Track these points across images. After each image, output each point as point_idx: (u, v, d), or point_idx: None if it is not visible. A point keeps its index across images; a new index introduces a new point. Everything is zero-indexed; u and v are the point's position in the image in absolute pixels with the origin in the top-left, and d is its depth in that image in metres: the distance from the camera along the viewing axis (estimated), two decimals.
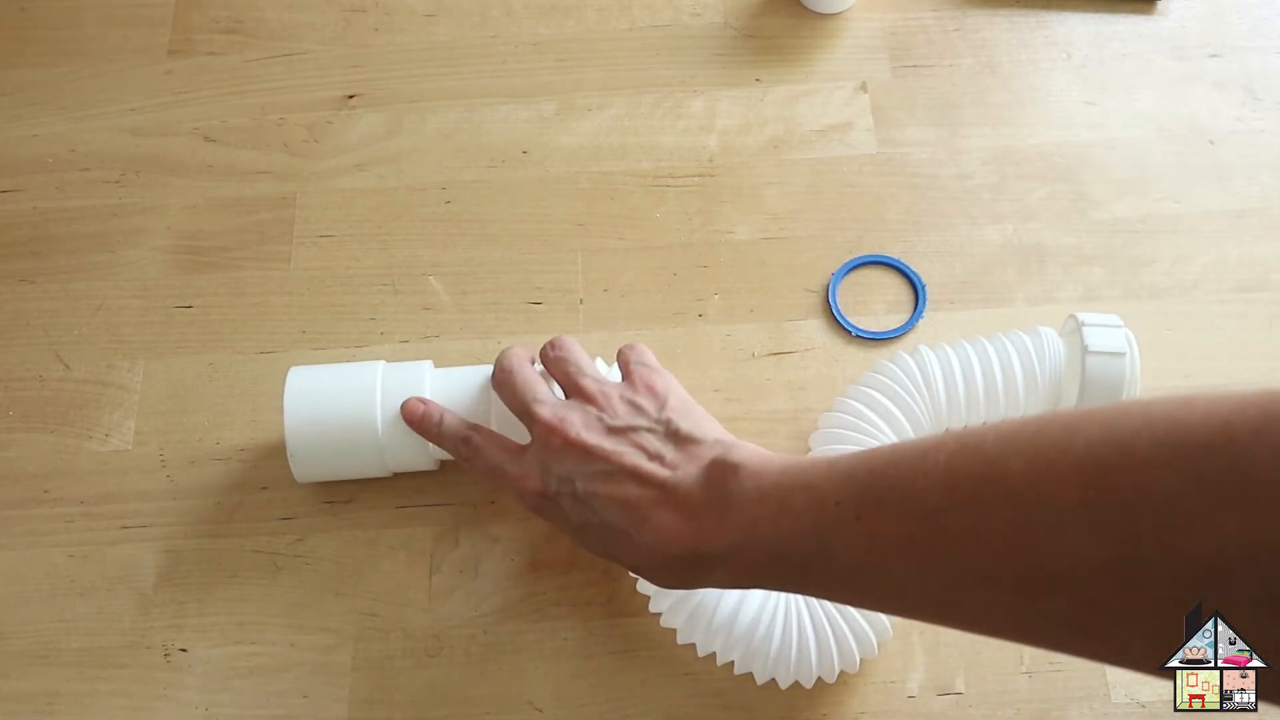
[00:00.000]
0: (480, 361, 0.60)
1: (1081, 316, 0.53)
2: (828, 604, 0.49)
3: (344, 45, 0.70)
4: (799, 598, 0.49)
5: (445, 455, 0.55)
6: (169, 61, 0.70)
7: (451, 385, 0.54)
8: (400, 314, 0.62)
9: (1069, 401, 0.53)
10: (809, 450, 0.54)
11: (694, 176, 0.65)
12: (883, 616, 0.50)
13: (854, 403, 0.53)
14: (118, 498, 0.58)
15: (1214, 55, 0.68)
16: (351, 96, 0.69)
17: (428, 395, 0.54)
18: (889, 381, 0.53)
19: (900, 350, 0.54)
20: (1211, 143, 0.65)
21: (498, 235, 0.64)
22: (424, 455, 0.54)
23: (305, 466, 0.54)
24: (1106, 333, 0.52)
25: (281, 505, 0.57)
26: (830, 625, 0.49)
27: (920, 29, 0.69)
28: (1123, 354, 0.51)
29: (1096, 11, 0.70)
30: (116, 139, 0.68)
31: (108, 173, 0.67)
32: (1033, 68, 0.68)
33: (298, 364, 0.60)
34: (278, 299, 0.63)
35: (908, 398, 0.52)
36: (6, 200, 0.66)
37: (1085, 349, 0.51)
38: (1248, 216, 0.63)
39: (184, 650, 0.54)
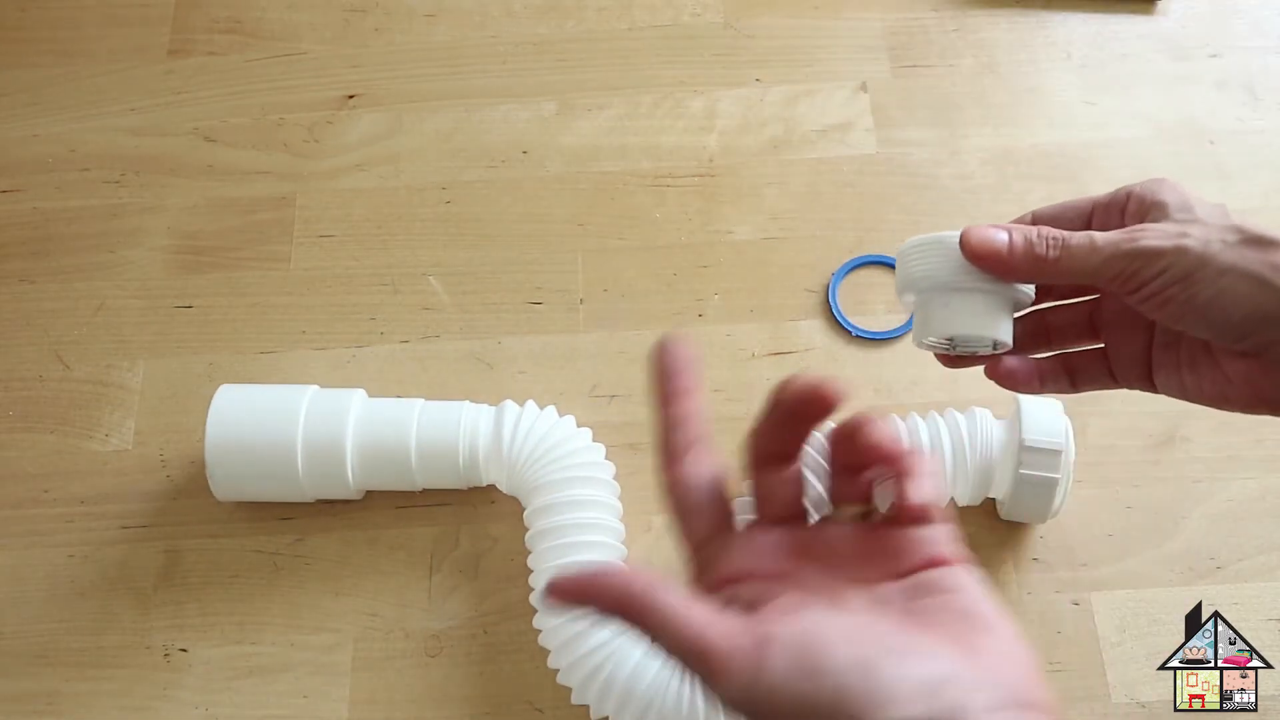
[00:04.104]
0: (479, 361, 0.60)
1: (1023, 402, 0.52)
2: None
3: (344, 45, 0.70)
4: None
5: (369, 486, 0.55)
6: (169, 61, 0.70)
7: (380, 417, 0.54)
8: (400, 314, 0.62)
9: (1002, 485, 0.52)
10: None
11: (694, 176, 0.65)
12: None
13: None
14: (118, 498, 0.58)
15: (1214, 55, 0.68)
16: (351, 96, 0.69)
17: (352, 425, 0.53)
18: (812, 453, 0.52)
19: (829, 422, 0.53)
20: (1211, 143, 0.65)
21: (498, 235, 0.64)
22: (345, 485, 0.54)
23: (225, 485, 0.54)
24: (1046, 424, 0.51)
25: (281, 505, 0.57)
26: None
27: (920, 29, 0.69)
28: (1059, 450, 0.50)
29: (1096, 11, 0.70)
30: (116, 139, 0.68)
31: (108, 173, 0.67)
32: (1033, 68, 0.68)
33: (298, 364, 0.61)
34: (278, 299, 0.63)
35: (828, 470, 0.51)
36: (6, 200, 0.66)
37: (1021, 443, 0.50)
38: (1248, 216, 0.63)
39: (184, 650, 0.54)
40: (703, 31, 0.70)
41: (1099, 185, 0.64)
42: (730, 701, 0.28)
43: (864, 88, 0.68)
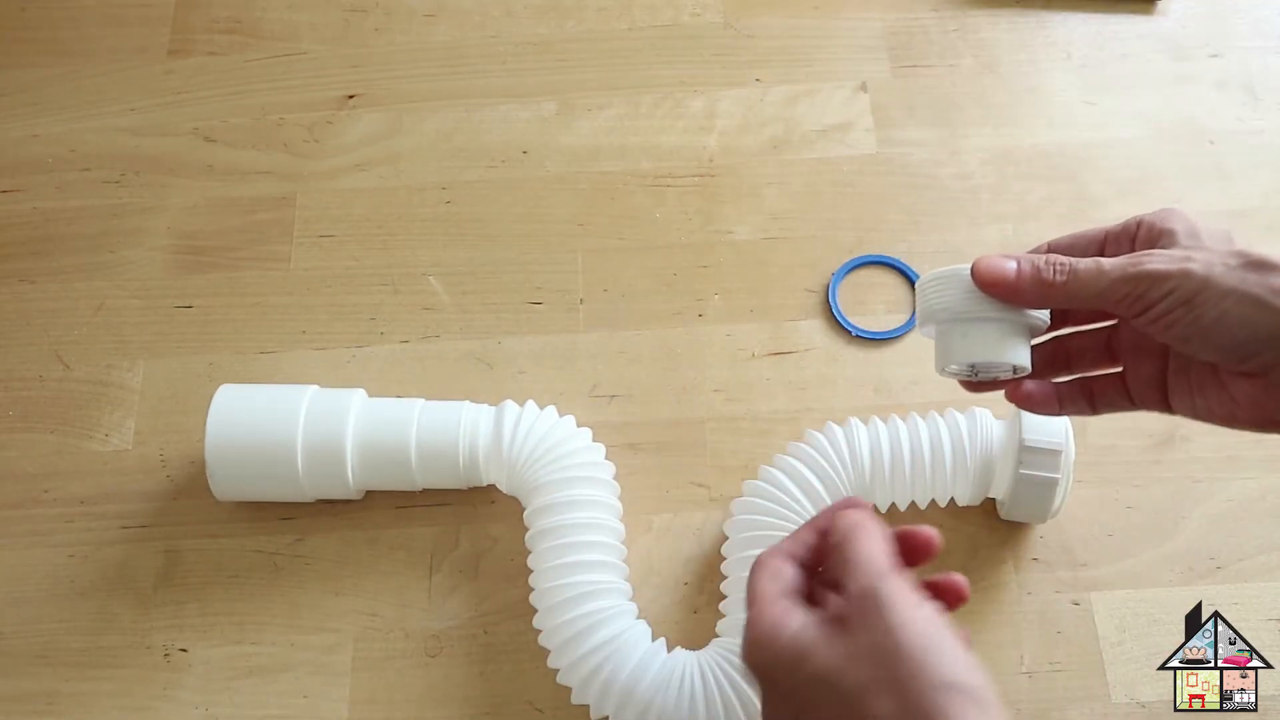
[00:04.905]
0: (480, 361, 0.60)
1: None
2: (733, 673, 0.48)
3: (344, 45, 0.70)
4: (700, 666, 0.49)
5: (369, 485, 0.55)
6: (169, 61, 0.70)
7: (380, 417, 0.54)
8: (400, 314, 0.62)
9: (1001, 485, 0.52)
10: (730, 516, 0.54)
11: (694, 176, 0.65)
12: None
13: (776, 472, 0.52)
14: (118, 498, 0.58)
15: (1214, 55, 0.68)
16: (351, 96, 0.69)
17: (352, 425, 0.53)
18: (813, 453, 0.52)
19: (830, 422, 0.54)
20: (1211, 143, 0.65)
21: (498, 235, 0.64)
22: (345, 485, 0.54)
23: (225, 485, 0.54)
24: (1046, 424, 0.51)
25: (281, 505, 0.57)
26: (736, 692, 0.48)
27: (920, 29, 0.69)
28: (1059, 450, 0.50)
29: (1096, 11, 0.70)
30: (116, 139, 0.68)
31: (108, 173, 0.67)
32: (1033, 68, 0.68)
33: (298, 364, 0.61)
34: (278, 299, 0.63)
35: (830, 470, 0.52)
36: (6, 200, 0.66)
37: (1022, 443, 0.50)
38: (1248, 216, 0.63)
39: (184, 650, 0.54)
40: (703, 31, 0.70)
41: (1099, 185, 0.64)
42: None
43: (864, 88, 0.68)
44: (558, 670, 0.50)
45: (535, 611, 0.51)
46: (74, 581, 0.56)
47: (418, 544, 0.56)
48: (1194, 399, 0.39)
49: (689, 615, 0.54)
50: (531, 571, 0.52)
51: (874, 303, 0.61)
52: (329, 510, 0.57)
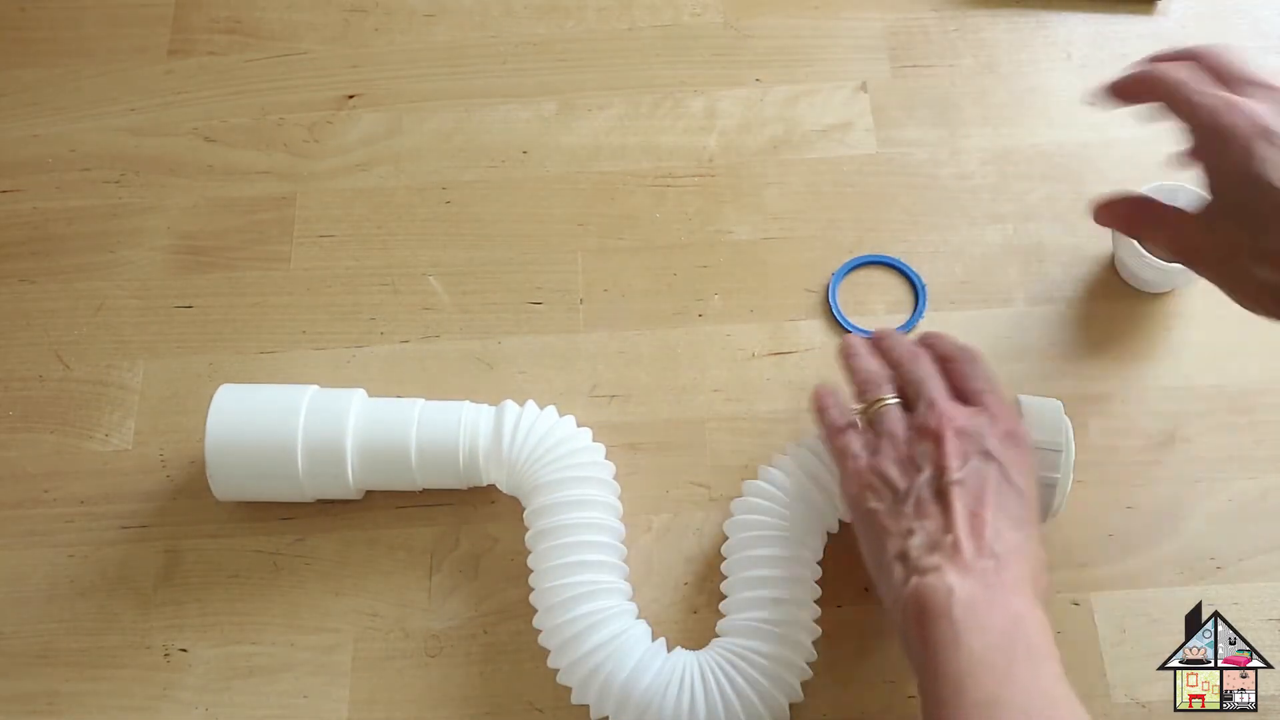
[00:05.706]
0: (479, 361, 0.60)
1: (1024, 401, 0.52)
2: (733, 672, 0.48)
3: (344, 45, 0.70)
4: (700, 668, 0.49)
5: (369, 485, 0.55)
6: (169, 61, 0.70)
7: (380, 417, 0.54)
8: (400, 314, 0.62)
9: None
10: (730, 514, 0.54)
11: (694, 176, 0.65)
12: (791, 679, 0.49)
13: (776, 472, 0.52)
14: (118, 498, 0.58)
15: None
16: (351, 96, 0.69)
17: (352, 425, 0.53)
18: (813, 453, 0.52)
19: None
20: None
21: (498, 235, 0.64)
22: (345, 485, 0.54)
23: (225, 485, 0.54)
24: (1046, 424, 0.51)
25: (281, 505, 0.57)
26: (736, 692, 0.48)
27: (920, 29, 0.69)
28: (1059, 450, 0.50)
29: (1096, 11, 0.70)
30: (116, 139, 0.68)
31: (108, 173, 0.67)
32: (1033, 68, 0.68)
33: (298, 364, 0.61)
34: (278, 299, 0.63)
35: (829, 471, 0.51)
36: (6, 200, 0.66)
37: None
38: None
39: (184, 650, 0.54)
40: (703, 31, 0.70)
41: (1099, 185, 0.64)
42: None
43: (864, 88, 0.68)
44: (558, 670, 0.50)
45: (535, 611, 0.51)
46: (74, 581, 0.56)
47: (418, 544, 0.56)
48: None
49: (689, 615, 0.54)
50: (531, 571, 0.52)
51: (874, 303, 0.61)
52: (329, 510, 0.57)
